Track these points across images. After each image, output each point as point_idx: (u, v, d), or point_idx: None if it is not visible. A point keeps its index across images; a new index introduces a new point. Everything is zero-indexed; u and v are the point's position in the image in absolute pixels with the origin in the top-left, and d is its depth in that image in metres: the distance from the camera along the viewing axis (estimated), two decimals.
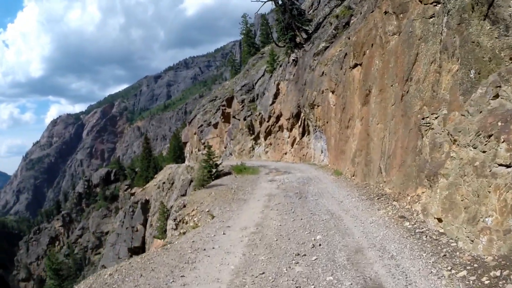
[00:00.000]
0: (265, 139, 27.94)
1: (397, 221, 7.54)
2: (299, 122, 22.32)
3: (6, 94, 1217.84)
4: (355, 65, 12.85)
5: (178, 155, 59.23)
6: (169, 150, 73.21)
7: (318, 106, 18.28)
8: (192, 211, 11.79)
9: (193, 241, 7.87)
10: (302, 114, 21.72)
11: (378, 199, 9.50)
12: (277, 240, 7.34)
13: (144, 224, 41.61)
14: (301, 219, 8.59)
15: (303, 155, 21.92)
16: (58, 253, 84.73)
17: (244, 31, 50.06)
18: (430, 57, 7.66)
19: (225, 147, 36.53)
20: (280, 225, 8.30)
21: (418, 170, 7.76)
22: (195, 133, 45.79)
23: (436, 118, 7.10)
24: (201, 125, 43.48)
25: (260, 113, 28.50)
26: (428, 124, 7.40)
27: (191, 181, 30.44)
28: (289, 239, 7.32)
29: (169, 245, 8.03)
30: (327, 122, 16.98)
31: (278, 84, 26.60)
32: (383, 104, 10.23)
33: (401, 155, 8.85)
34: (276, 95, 26.56)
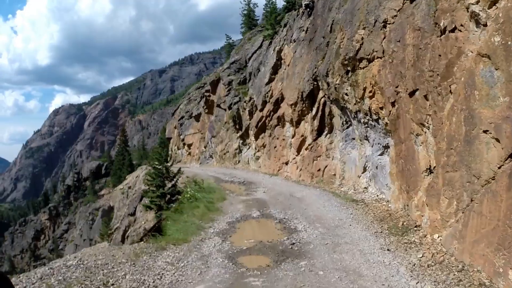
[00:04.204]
0: (256, 137, 17.79)
1: None
2: (314, 109, 12.26)
3: (12, 80, 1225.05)
4: None
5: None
6: (157, 146, 64.19)
7: (372, 59, 8.05)
8: None
9: None
10: (320, 93, 11.68)
11: None
12: None
13: None
14: None
15: (319, 169, 11.87)
16: (43, 248, 78.13)
17: (246, 11, 40.12)
18: None
19: (205, 147, 26.58)
20: None
21: None
22: (175, 127, 35.94)
23: None
24: (182, 117, 33.60)
25: (251, 98, 18.46)
26: None
27: (142, 196, 21.00)
28: None
29: None
30: (412, 92, 6.24)
31: (280, 51, 16.58)
32: None
33: None
34: (276, 68, 16.54)
